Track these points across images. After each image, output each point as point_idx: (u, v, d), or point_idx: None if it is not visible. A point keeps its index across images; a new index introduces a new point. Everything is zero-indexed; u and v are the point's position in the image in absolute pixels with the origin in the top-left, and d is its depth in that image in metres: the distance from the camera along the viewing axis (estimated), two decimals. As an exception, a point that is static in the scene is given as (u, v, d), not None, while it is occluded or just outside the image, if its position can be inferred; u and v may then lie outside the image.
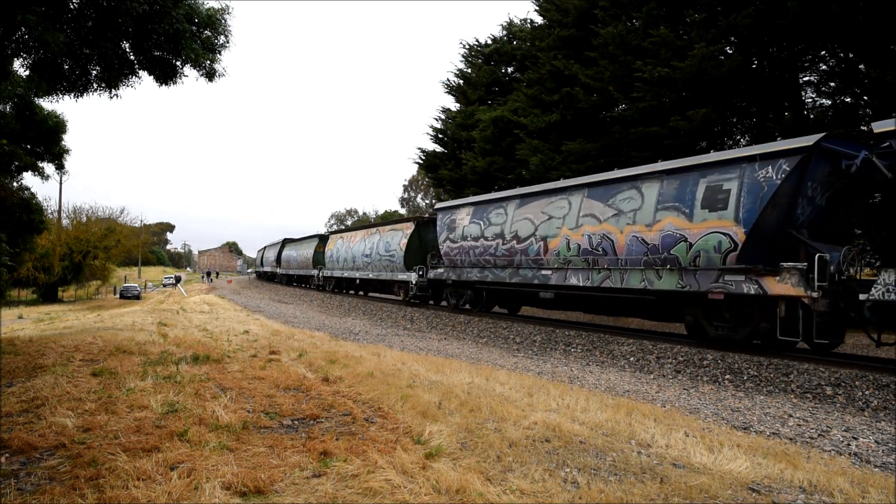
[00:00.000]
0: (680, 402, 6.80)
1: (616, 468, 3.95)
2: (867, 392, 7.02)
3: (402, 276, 19.33)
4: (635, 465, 4.03)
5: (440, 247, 16.89)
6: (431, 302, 19.32)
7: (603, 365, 9.70)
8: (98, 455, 3.72)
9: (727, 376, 8.30)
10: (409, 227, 19.84)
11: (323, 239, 31.46)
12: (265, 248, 52.23)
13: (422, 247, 19.12)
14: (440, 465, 3.71)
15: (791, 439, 5.32)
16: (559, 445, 4.40)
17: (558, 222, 12.32)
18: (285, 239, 41.51)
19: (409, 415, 5.06)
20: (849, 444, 5.22)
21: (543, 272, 12.71)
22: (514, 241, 13.55)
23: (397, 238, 20.08)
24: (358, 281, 24.76)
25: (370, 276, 22.45)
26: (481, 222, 14.99)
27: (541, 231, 12.77)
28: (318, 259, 30.32)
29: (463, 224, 15.80)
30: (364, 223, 39.82)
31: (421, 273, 18.22)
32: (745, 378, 8.12)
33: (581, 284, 11.69)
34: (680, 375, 8.67)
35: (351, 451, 3.94)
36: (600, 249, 11.16)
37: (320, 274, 29.32)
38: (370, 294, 25.79)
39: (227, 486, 3.27)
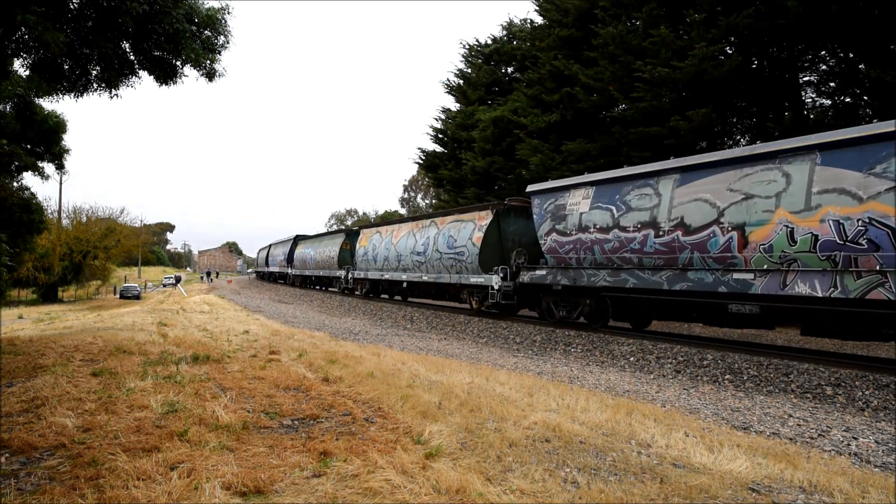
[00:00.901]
0: (680, 402, 6.80)
1: (616, 468, 3.95)
2: (867, 392, 7.02)
3: (476, 280, 14.90)
4: (635, 465, 4.03)
5: (542, 241, 13.04)
6: (514, 313, 15.43)
7: (603, 365, 9.70)
8: (98, 455, 3.72)
9: (727, 376, 8.30)
10: (484, 217, 15.17)
11: (351, 234, 26.77)
12: (270, 246, 47.38)
13: (501, 242, 14.92)
14: (440, 465, 3.71)
15: (791, 439, 5.32)
16: (559, 445, 4.40)
17: (767, 203, 8.69)
18: (298, 236, 37.26)
19: (409, 415, 5.06)
20: (849, 444, 5.22)
21: (738, 276, 9.03)
22: (679, 232, 9.93)
23: (467, 231, 15.58)
24: (405, 284, 19.73)
25: (424, 278, 17.55)
26: (612, 207, 11.30)
27: (731, 217, 9.17)
28: (345, 258, 26.21)
29: (580, 210, 12.00)
30: (416, 215, 31.05)
31: (504, 275, 14.19)
32: (745, 378, 8.12)
33: (820, 295, 7.97)
34: (680, 375, 8.67)
35: (351, 451, 3.94)
36: (863, 242, 7.56)
37: (349, 275, 24.63)
38: (417, 300, 21.35)
39: (227, 486, 3.27)
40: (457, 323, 14.82)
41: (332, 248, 27.97)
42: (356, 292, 24.62)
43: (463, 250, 15.52)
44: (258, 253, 59.35)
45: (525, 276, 13.71)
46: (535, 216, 13.41)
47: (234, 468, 3.52)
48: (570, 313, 12.91)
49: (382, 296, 23.15)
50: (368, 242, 22.47)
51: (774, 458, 4.41)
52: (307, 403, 5.39)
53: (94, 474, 3.41)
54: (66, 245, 42.13)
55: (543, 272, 13.16)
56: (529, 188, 13.98)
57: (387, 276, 20.46)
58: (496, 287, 14.16)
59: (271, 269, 44.75)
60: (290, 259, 37.12)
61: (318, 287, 32.42)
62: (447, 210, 18.43)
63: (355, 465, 3.67)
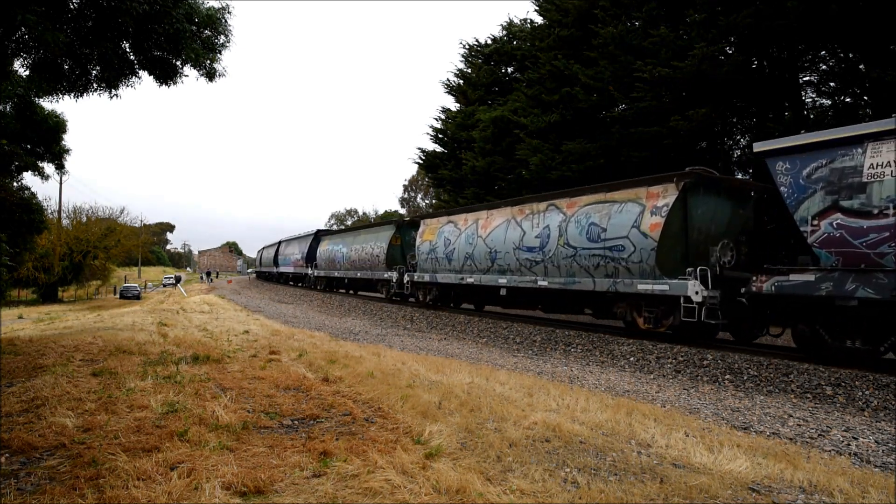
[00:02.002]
0: (680, 402, 6.80)
1: (616, 468, 3.95)
2: (867, 392, 7.02)
3: (647, 288, 10.18)
4: (635, 465, 4.03)
5: (807, 227, 8.32)
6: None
7: (603, 365, 9.70)
8: (98, 455, 3.72)
9: (727, 376, 8.30)
10: (661, 195, 10.18)
11: (407, 227, 21.21)
12: (280, 243, 41.06)
13: (688, 232, 10.07)
14: (440, 465, 3.71)
15: (791, 439, 5.32)
16: (559, 445, 4.40)
17: None
18: (320, 230, 32.38)
19: (409, 415, 5.06)
20: (849, 444, 5.22)
21: None
22: None
23: (630, 215, 10.52)
24: (503, 291, 14.28)
25: (542, 283, 12.51)
26: None
27: None
28: (396, 256, 20.81)
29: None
30: (520, 198, 15.44)
31: (704, 280, 9.47)
32: (745, 378, 8.12)
33: None
34: (680, 375, 8.67)
35: (351, 451, 3.94)
36: None
37: (405, 279, 19.09)
38: (521, 312, 16.50)
39: (227, 486, 3.27)
40: (457, 323, 14.82)
41: (376, 245, 21.82)
42: (413, 299, 19.53)
43: (623, 244, 10.56)
44: (258, 253, 56.88)
45: (771, 283, 8.60)
46: (783, 189, 8.71)
47: (234, 468, 3.52)
48: (872, 345, 8.00)
49: (463, 306, 18.04)
50: (437, 236, 16.88)
51: (774, 458, 4.41)
52: (307, 403, 5.39)
53: (94, 474, 3.41)
54: (66, 245, 42.11)
55: (810, 277, 8.22)
56: (764, 145, 9.07)
57: (470, 279, 15.22)
58: (697, 298, 9.38)
59: (283, 268, 38.35)
60: (310, 257, 31.34)
61: (351, 291, 27.04)
62: (579, 189, 12.37)
63: (355, 465, 3.67)
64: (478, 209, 15.70)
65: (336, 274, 26.43)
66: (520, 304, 15.02)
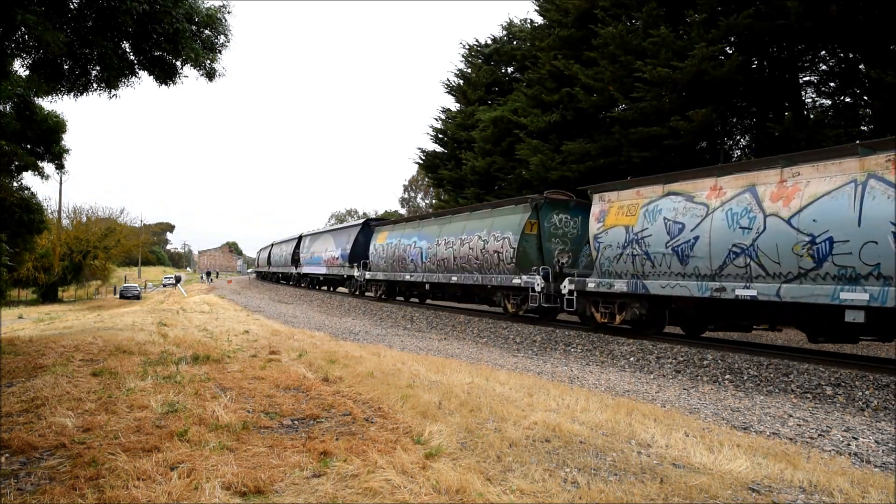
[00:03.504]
0: (680, 402, 6.80)
1: (616, 468, 3.95)
2: (867, 392, 7.02)
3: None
4: (635, 465, 4.03)
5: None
6: None
7: (603, 365, 9.70)
8: (98, 455, 3.72)
9: (727, 376, 8.30)
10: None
11: (549, 206, 13.92)
12: (302, 237, 33.92)
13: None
14: (440, 465, 3.71)
15: (791, 439, 5.32)
16: (559, 445, 4.40)
17: None
18: (371, 219, 26.37)
19: (409, 415, 5.06)
20: (849, 444, 5.22)
21: None
22: None
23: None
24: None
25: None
26: None
27: None
28: (530, 252, 13.66)
29: None
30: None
31: None
32: (745, 378, 8.12)
33: None
34: (680, 375, 8.67)
35: (351, 451, 3.93)
36: None
37: (566, 288, 12.22)
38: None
39: (227, 486, 3.27)
40: (457, 323, 14.82)
41: (494, 234, 14.52)
42: (633, 322, 11.37)
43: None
44: (260, 252, 55.71)
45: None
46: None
47: (234, 468, 3.52)
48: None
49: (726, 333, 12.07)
50: (658, 212, 10.37)
51: (774, 458, 4.41)
52: (307, 403, 5.39)
53: (94, 474, 3.41)
54: (66, 245, 42.11)
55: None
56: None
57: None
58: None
59: (309, 269, 31.12)
60: (355, 255, 23.86)
61: (431, 301, 20.19)
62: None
63: (355, 465, 3.67)
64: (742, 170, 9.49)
65: (407, 277, 18.69)
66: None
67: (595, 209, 11.83)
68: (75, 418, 4.62)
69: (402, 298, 21.37)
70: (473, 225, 15.78)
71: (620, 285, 10.88)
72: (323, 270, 28.47)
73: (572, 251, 13.66)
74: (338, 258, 25.92)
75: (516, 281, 13.37)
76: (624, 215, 11.03)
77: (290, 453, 3.90)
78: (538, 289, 12.63)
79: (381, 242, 21.29)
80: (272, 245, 46.03)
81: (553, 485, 3.53)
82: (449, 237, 16.66)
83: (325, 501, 3.16)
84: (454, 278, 15.96)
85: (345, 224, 28.83)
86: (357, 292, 24.20)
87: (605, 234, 11.35)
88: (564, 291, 12.20)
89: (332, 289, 29.41)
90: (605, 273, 11.34)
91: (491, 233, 14.64)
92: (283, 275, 40.13)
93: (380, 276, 21.19)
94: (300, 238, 34.55)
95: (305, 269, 31.98)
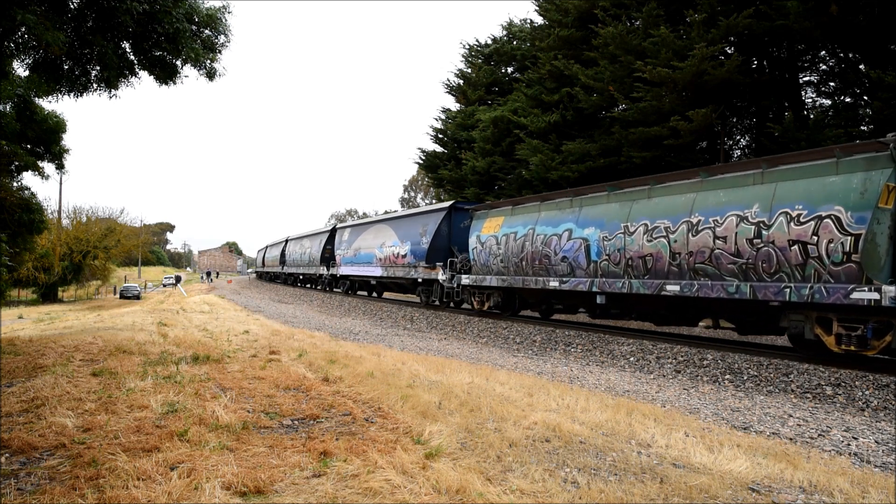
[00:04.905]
0: (680, 402, 6.80)
1: (616, 468, 3.95)
2: (867, 392, 7.02)
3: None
4: (635, 465, 4.03)
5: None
6: None
7: (603, 365, 9.70)
8: (98, 455, 3.72)
9: (727, 376, 8.30)
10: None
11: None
12: (336, 230, 28.16)
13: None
14: (440, 465, 3.71)
15: (791, 439, 5.32)
16: (559, 445, 4.40)
17: None
18: (457, 203, 18.25)
19: (409, 415, 5.06)
20: (849, 444, 5.22)
21: None
22: None
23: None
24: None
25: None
26: None
27: None
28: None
29: None
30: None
31: None
32: (745, 378, 8.12)
33: None
34: (680, 375, 8.67)
35: (351, 451, 3.93)
36: None
37: None
38: None
39: (227, 486, 3.27)
40: (457, 323, 14.81)
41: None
42: None
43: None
44: (262, 251, 54.59)
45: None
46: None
47: (234, 468, 3.52)
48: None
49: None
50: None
51: (774, 458, 4.41)
52: (307, 403, 5.39)
53: (94, 474, 3.41)
54: (66, 245, 42.10)
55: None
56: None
57: None
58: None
59: (351, 269, 24.52)
60: (435, 252, 17.46)
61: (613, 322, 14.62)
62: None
63: (355, 465, 3.67)
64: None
65: (553, 284, 12.38)
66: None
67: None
68: (75, 418, 4.62)
69: (533, 314, 15.47)
70: (723, 197, 9.31)
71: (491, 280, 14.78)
72: (376, 272, 21.55)
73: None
74: (405, 255, 19.11)
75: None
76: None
77: (290, 453, 3.90)
78: None
79: (492, 233, 14.82)
80: (287, 241, 38.44)
81: (553, 485, 3.53)
82: (657, 219, 10.28)
83: (325, 501, 3.16)
84: (673, 288, 9.78)
85: (415, 210, 21.95)
86: (438, 302, 17.70)
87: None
88: None
89: (370, 293, 24.59)
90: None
91: (786, 208, 8.34)
92: (306, 277, 32.64)
93: (491, 281, 14.61)
94: (333, 231, 28.70)
95: (346, 271, 24.96)
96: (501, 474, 3.67)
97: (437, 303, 17.99)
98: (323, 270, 28.93)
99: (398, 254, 19.88)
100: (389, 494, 3.24)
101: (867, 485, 3.87)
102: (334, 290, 28.17)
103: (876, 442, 5.31)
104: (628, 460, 4.12)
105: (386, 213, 26.15)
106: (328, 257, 28.51)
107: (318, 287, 30.75)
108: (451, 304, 17.77)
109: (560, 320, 14.30)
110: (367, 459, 3.76)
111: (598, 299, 11.65)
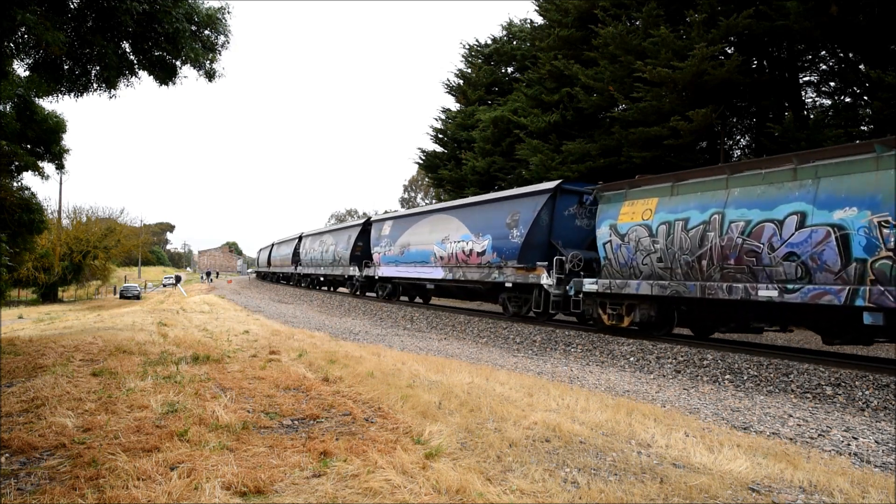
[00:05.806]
0: (680, 402, 6.80)
1: (616, 468, 3.95)
2: (867, 392, 7.02)
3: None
4: (635, 465, 4.03)
5: None
6: None
7: (603, 365, 9.70)
8: (98, 455, 3.72)
9: (727, 376, 8.30)
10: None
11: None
12: (372, 222, 23.26)
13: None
14: (440, 465, 3.71)
15: (791, 439, 5.32)
16: (559, 445, 4.40)
17: None
18: (565, 184, 13.28)
19: (409, 415, 5.06)
20: (849, 444, 5.22)
21: None
22: None
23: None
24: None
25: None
26: None
27: None
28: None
29: None
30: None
31: None
32: (745, 378, 8.12)
33: None
34: (680, 375, 8.67)
35: (351, 451, 3.93)
36: None
37: None
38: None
39: (227, 486, 3.27)
40: (457, 323, 14.81)
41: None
42: None
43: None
44: (261, 250, 54.04)
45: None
46: None
47: (234, 468, 3.52)
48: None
49: None
50: None
51: (774, 458, 4.41)
52: (307, 403, 5.39)
53: (94, 474, 3.41)
54: (66, 245, 42.09)
55: None
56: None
57: None
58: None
59: (389, 270, 20.51)
60: (548, 247, 13.18)
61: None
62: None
63: (355, 465, 3.66)
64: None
65: (764, 294, 8.52)
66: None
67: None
68: (75, 418, 4.62)
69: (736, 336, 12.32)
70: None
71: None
72: (435, 274, 17.18)
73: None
74: (482, 253, 14.93)
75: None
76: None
77: (290, 453, 3.90)
78: None
79: (639, 221, 10.77)
80: (301, 237, 34.13)
81: (553, 485, 3.53)
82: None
83: (325, 501, 3.16)
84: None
85: (497, 195, 16.15)
86: (540, 312, 13.44)
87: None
88: None
89: (424, 300, 20.45)
90: None
91: None
92: (330, 279, 28.07)
93: (639, 287, 10.52)
94: (366, 224, 23.99)
95: (388, 272, 20.49)
96: (501, 474, 3.67)
97: (533, 314, 13.79)
98: (353, 271, 23.78)
99: (471, 251, 15.37)
100: (389, 494, 3.24)
101: (867, 485, 3.87)
102: (367, 294, 23.87)
103: (876, 442, 5.31)
104: (628, 460, 4.12)
105: (410, 207, 22.71)
106: (359, 256, 24.00)
107: (350, 290, 25.14)
108: (558, 316, 13.60)
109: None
110: (367, 459, 3.76)
111: (868, 318, 7.45)
